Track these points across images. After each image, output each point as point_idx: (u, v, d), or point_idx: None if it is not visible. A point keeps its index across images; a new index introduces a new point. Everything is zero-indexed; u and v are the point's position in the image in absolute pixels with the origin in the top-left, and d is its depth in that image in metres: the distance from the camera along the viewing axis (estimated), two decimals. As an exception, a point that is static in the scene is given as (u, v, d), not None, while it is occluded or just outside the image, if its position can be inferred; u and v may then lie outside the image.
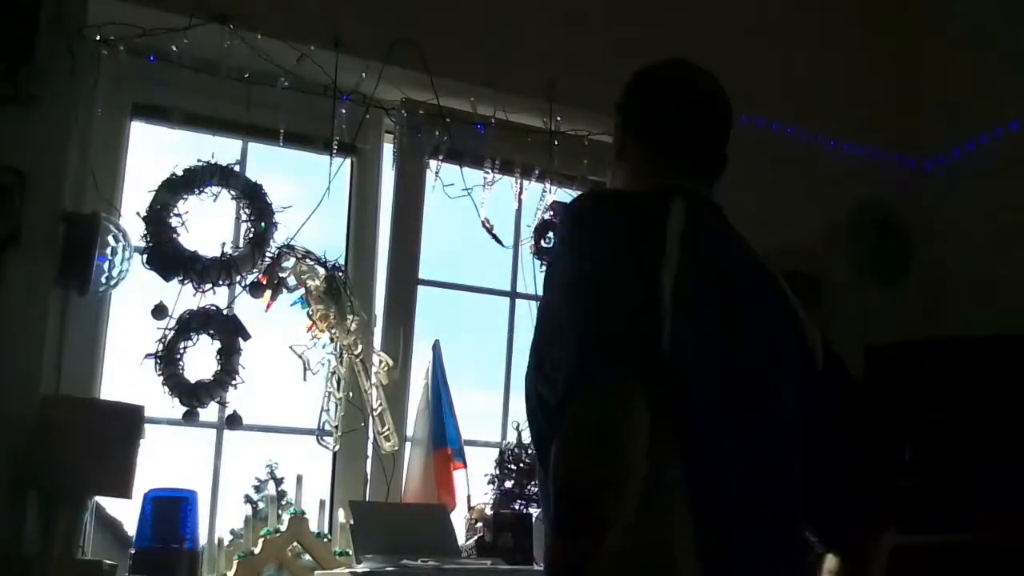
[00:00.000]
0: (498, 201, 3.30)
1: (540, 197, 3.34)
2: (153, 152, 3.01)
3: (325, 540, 2.83)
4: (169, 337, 2.74)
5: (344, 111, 3.02)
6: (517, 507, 3.07)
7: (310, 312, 2.91)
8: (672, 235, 1.43)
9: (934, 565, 2.86)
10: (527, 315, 3.36)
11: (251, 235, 2.86)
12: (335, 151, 2.98)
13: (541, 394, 1.44)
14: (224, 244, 2.86)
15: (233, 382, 2.78)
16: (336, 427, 2.95)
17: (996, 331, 3.27)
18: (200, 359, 2.77)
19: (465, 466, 3.12)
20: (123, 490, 2.50)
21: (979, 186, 3.69)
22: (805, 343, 1.58)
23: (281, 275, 2.88)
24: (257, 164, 3.06)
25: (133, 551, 2.57)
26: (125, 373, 2.80)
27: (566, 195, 3.37)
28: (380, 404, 3.00)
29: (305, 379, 2.91)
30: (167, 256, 2.75)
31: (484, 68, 3.16)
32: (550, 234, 3.29)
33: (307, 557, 2.81)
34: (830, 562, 1.61)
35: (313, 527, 2.84)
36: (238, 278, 2.82)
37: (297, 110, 2.97)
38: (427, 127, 3.17)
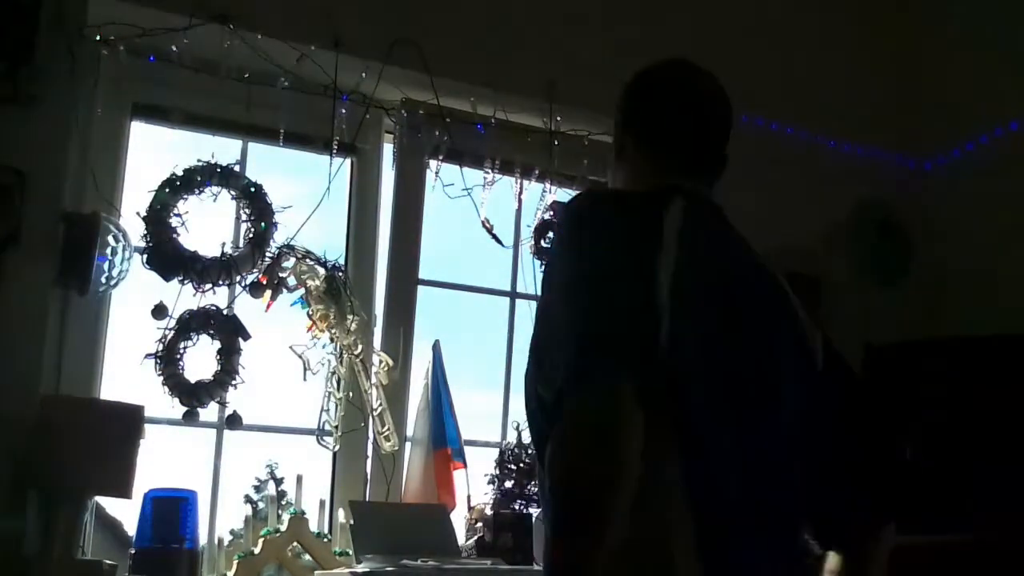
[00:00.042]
0: (498, 201, 3.31)
1: (540, 197, 3.34)
2: (153, 152, 3.01)
3: (325, 540, 2.83)
4: (169, 337, 2.74)
5: (344, 111, 3.02)
6: (517, 507, 3.07)
7: (310, 312, 2.91)
8: (670, 234, 1.43)
9: (934, 565, 2.86)
10: (527, 315, 3.36)
11: (251, 235, 2.86)
12: (335, 151, 2.98)
13: (540, 394, 1.44)
14: (224, 244, 2.86)
15: (233, 382, 2.78)
16: (336, 427, 2.95)
17: (996, 331, 3.27)
18: (200, 359, 2.78)
19: (465, 466, 3.12)
20: (123, 490, 2.50)
21: (979, 186, 3.69)
22: (805, 343, 1.58)
23: (281, 275, 2.88)
24: (257, 164, 3.06)
25: (133, 551, 2.57)
26: (125, 373, 2.81)
27: (566, 195, 3.37)
28: (380, 404, 3.00)
29: (305, 379, 2.91)
30: (167, 256, 2.75)
31: (484, 68, 3.16)
32: (550, 234, 3.28)
33: (307, 557, 2.81)
34: (831, 562, 1.61)
35: (313, 527, 2.84)
36: (238, 278, 2.82)
37: (297, 110, 2.97)
38: (427, 127, 3.17)
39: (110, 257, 2.69)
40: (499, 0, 3.27)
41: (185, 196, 2.81)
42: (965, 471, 3.12)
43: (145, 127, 2.99)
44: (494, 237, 3.28)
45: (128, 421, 2.54)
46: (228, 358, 2.77)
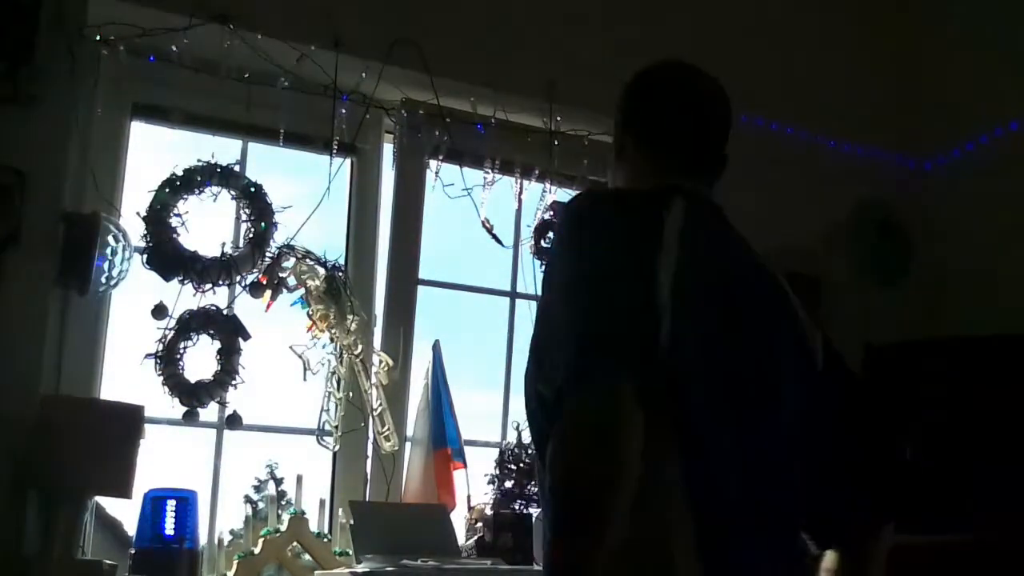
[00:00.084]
0: (498, 201, 3.31)
1: (540, 197, 3.34)
2: (153, 152, 3.01)
3: (325, 540, 2.83)
4: (169, 337, 2.74)
5: (344, 111, 3.02)
6: (517, 507, 3.07)
7: (310, 312, 2.91)
8: (670, 234, 1.43)
9: (934, 565, 2.86)
10: (527, 315, 3.36)
11: (251, 235, 2.86)
12: (335, 151, 2.98)
13: (541, 393, 1.44)
14: (224, 244, 2.86)
15: (233, 382, 2.78)
16: (336, 427, 2.95)
17: (996, 331, 3.27)
18: (200, 359, 2.78)
19: (465, 466, 3.13)
20: (123, 490, 2.50)
21: (979, 186, 3.69)
22: (805, 343, 1.58)
23: (281, 275, 2.88)
24: (257, 164, 3.06)
25: (133, 551, 2.57)
26: (125, 373, 2.81)
27: (566, 195, 3.37)
28: (380, 404, 3.00)
29: (305, 379, 2.91)
30: (167, 256, 2.75)
31: (484, 68, 3.16)
32: (550, 234, 3.28)
33: (307, 557, 2.81)
34: (827, 561, 1.61)
35: (313, 527, 2.84)
36: (238, 278, 2.82)
37: (297, 110, 2.97)
38: (427, 127, 3.17)
39: (110, 257, 2.69)
40: (499, 0, 3.27)
41: (185, 196, 2.80)
42: (965, 471, 3.12)
43: (145, 127, 2.99)
44: (494, 237, 3.28)
45: (128, 421, 2.54)
46: (228, 358, 2.77)
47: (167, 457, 2.83)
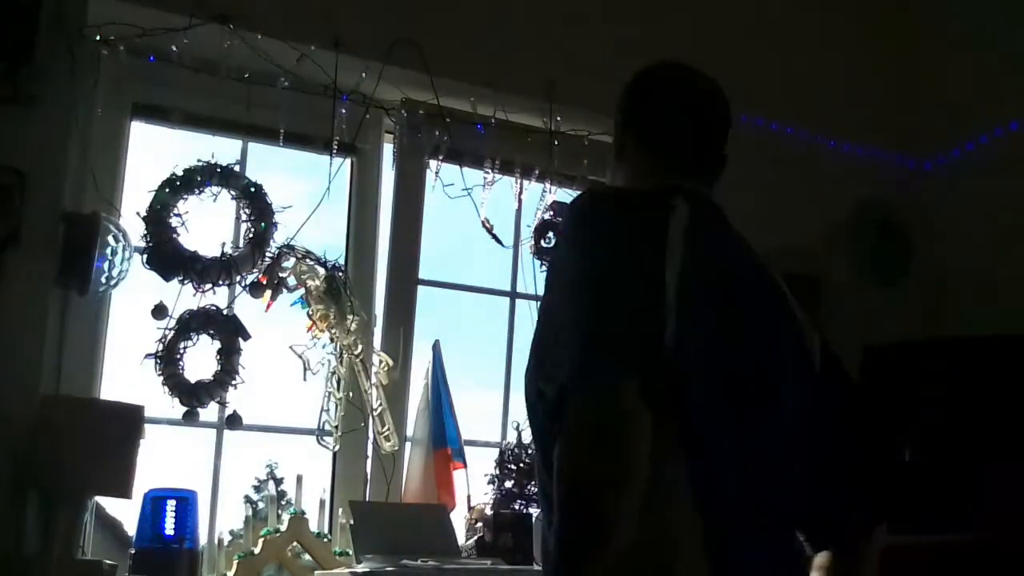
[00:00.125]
0: (498, 201, 3.31)
1: (540, 197, 3.34)
2: (153, 152, 3.01)
3: (325, 540, 2.84)
4: (169, 337, 2.74)
5: (344, 111, 3.02)
6: (517, 507, 3.07)
7: (310, 312, 2.91)
8: (675, 234, 1.44)
9: (934, 565, 2.86)
10: (527, 315, 3.36)
11: (251, 235, 2.86)
12: (335, 151, 2.98)
13: (542, 391, 1.44)
14: (224, 244, 2.86)
15: (233, 382, 2.78)
16: (336, 427, 2.95)
17: (996, 331, 3.27)
18: (200, 359, 2.78)
19: (465, 466, 3.13)
20: (123, 490, 2.50)
21: (979, 186, 3.69)
22: (804, 344, 1.58)
23: (281, 275, 2.88)
24: (257, 164, 3.06)
25: (133, 551, 2.57)
26: (125, 373, 2.81)
27: (566, 195, 3.37)
28: (380, 404, 3.00)
29: (305, 379, 2.91)
30: (167, 256, 2.75)
31: (484, 68, 3.16)
32: (550, 234, 3.29)
33: (307, 557, 2.81)
34: (818, 561, 1.61)
35: (313, 527, 2.84)
36: (238, 278, 2.82)
37: (297, 110, 2.97)
38: (427, 127, 3.17)
39: (110, 257, 2.69)
40: (499, 0, 3.27)
41: (185, 196, 2.81)
42: (965, 471, 3.12)
43: (145, 127, 2.99)
44: (494, 237, 3.28)
45: (128, 421, 2.54)
46: (228, 358, 2.77)
47: (167, 457, 2.83)
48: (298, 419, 3.07)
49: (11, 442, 2.41)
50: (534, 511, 3.04)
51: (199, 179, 2.82)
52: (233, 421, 2.82)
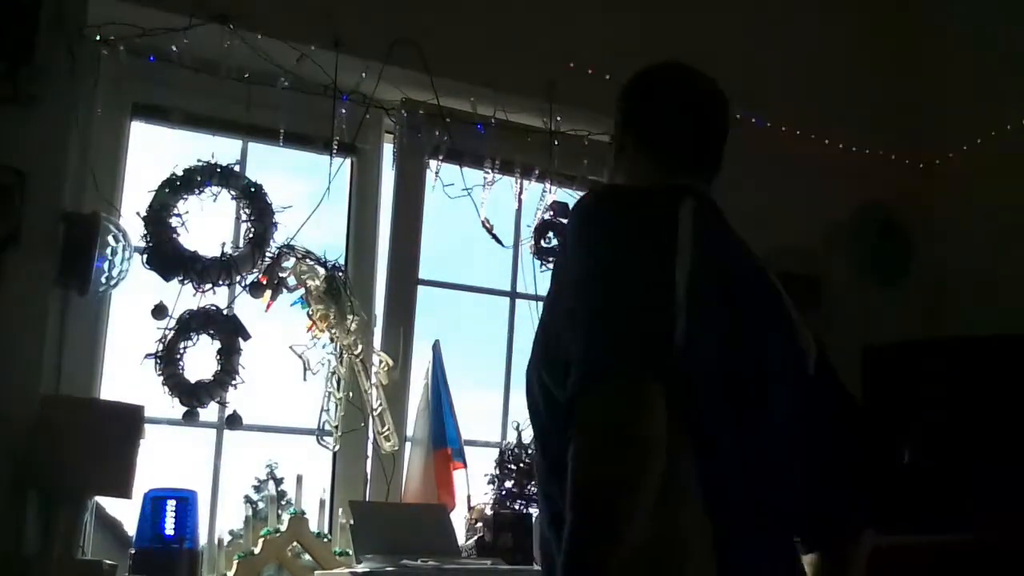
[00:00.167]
0: (498, 201, 3.31)
1: (540, 197, 3.34)
2: (153, 152, 3.01)
3: (325, 540, 2.84)
4: (169, 337, 2.74)
5: (344, 111, 3.02)
6: (517, 507, 3.07)
7: (310, 312, 2.91)
8: (684, 233, 1.44)
9: (934, 565, 2.86)
10: (527, 315, 3.36)
11: (251, 235, 2.86)
12: (335, 151, 2.98)
13: (549, 389, 1.44)
14: (224, 244, 2.86)
15: (233, 382, 2.78)
16: (336, 427, 2.95)
17: (996, 331, 3.27)
18: (200, 359, 2.78)
19: (465, 466, 3.13)
20: (123, 490, 2.50)
21: (979, 186, 3.69)
22: (798, 345, 1.59)
23: (281, 275, 2.88)
24: (257, 164, 3.06)
25: (133, 551, 2.57)
26: (125, 373, 2.81)
27: (566, 195, 3.38)
28: (380, 404, 3.00)
29: (305, 379, 2.91)
30: (167, 256, 2.75)
31: (484, 68, 3.16)
32: (550, 234, 3.29)
33: (307, 557, 2.81)
34: (806, 561, 1.61)
35: (313, 527, 2.84)
36: (238, 278, 2.82)
37: (297, 110, 2.97)
38: (427, 127, 3.17)
39: (110, 257, 2.69)
40: (499, 0, 3.27)
41: (185, 196, 2.80)
42: (965, 471, 3.12)
43: (145, 127, 2.99)
44: (494, 237, 3.28)
45: (128, 421, 2.54)
46: (228, 358, 2.77)
47: (167, 457, 2.83)
48: (298, 419, 3.07)
49: (11, 442, 2.41)
50: (534, 511, 3.03)
51: (199, 179, 2.82)
52: (233, 421, 2.82)
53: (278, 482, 3.31)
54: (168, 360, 2.73)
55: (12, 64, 2.55)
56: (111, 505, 2.78)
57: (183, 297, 2.77)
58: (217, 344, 2.78)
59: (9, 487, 2.41)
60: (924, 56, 3.93)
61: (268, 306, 2.87)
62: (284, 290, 2.89)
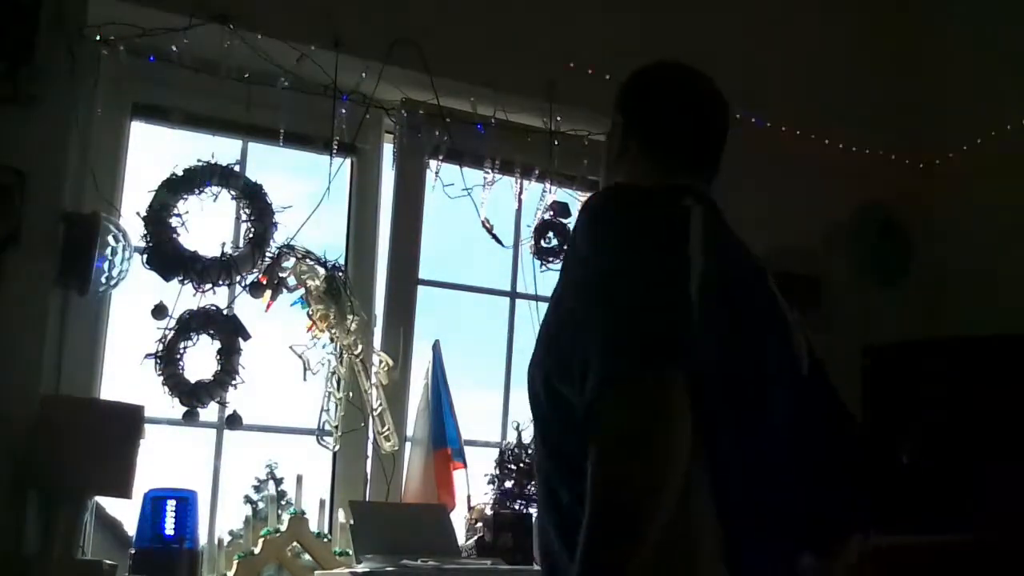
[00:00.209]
0: (498, 201, 3.31)
1: (540, 197, 3.34)
2: (153, 152, 3.01)
3: (325, 540, 2.84)
4: (169, 337, 2.74)
5: (344, 111, 3.02)
6: (517, 507, 3.07)
7: (310, 312, 2.91)
8: (695, 234, 1.44)
9: (934, 565, 2.86)
10: (527, 315, 3.36)
11: (251, 235, 2.86)
12: (335, 151, 2.98)
13: (551, 381, 1.43)
14: (224, 244, 2.86)
15: (233, 382, 2.78)
16: (336, 427, 2.95)
17: (996, 331, 3.27)
18: (200, 359, 2.77)
19: (465, 466, 3.13)
20: (123, 490, 2.50)
21: (979, 186, 3.69)
22: (792, 347, 1.59)
23: (281, 275, 2.88)
24: (257, 164, 3.06)
25: (133, 551, 2.57)
26: (125, 373, 2.81)
27: (566, 195, 3.38)
28: (380, 404, 3.00)
29: (305, 379, 2.91)
30: (167, 256, 2.75)
31: (484, 68, 3.16)
32: (550, 234, 3.29)
33: (307, 557, 2.81)
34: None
35: (313, 527, 2.84)
36: (238, 278, 2.82)
37: (297, 110, 2.97)
38: (427, 127, 3.17)
39: (110, 257, 2.69)
40: (499, 0, 3.27)
41: (185, 196, 2.80)
42: (965, 471, 3.12)
43: (145, 127, 2.99)
44: (494, 237, 3.28)
45: (128, 421, 2.54)
46: (228, 358, 2.77)
47: (167, 457, 2.83)
48: (298, 419, 3.07)
49: (11, 442, 2.41)
50: (534, 511, 3.03)
51: (199, 179, 2.82)
52: (233, 421, 2.82)
53: (278, 482, 3.31)
54: (168, 360, 2.73)
55: (12, 64, 2.55)
56: (111, 505, 2.78)
57: (183, 297, 2.77)
58: (217, 344, 2.78)
59: (9, 487, 2.41)
60: (924, 56, 3.93)
61: (268, 306, 2.87)
62: (284, 290, 2.89)
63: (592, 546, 1.27)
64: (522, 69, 3.21)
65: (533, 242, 3.31)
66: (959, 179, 3.77)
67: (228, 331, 2.78)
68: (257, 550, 2.74)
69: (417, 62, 3.02)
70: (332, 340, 2.95)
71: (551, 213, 3.30)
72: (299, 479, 2.94)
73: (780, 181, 3.49)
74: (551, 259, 3.29)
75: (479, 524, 3.03)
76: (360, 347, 2.98)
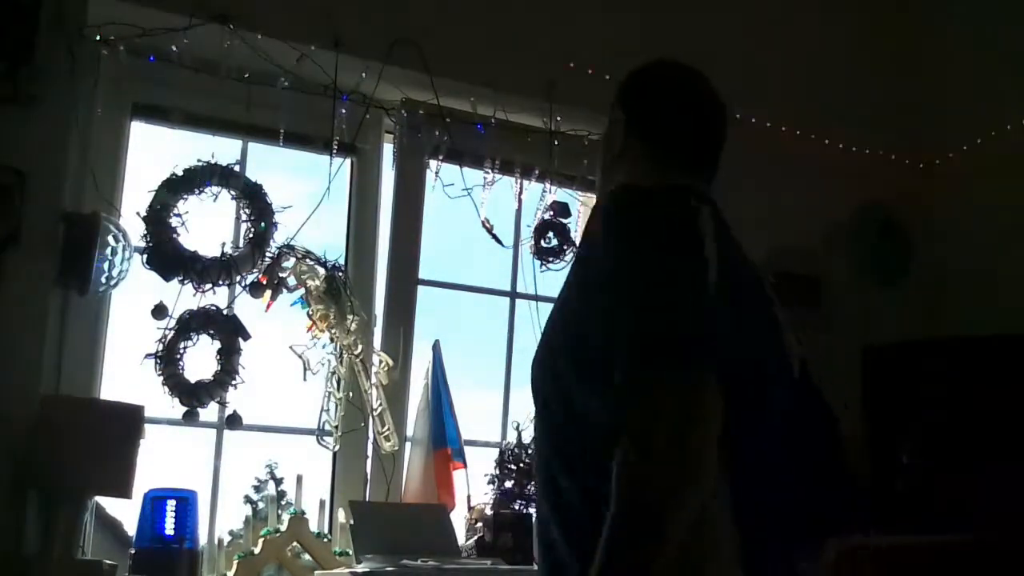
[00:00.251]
0: (498, 201, 3.31)
1: (540, 197, 3.34)
2: (153, 152, 3.01)
3: (325, 540, 2.84)
4: (169, 337, 2.74)
5: (344, 111, 3.02)
6: (517, 507, 3.07)
7: (310, 312, 2.91)
8: (708, 235, 1.44)
9: (934, 565, 2.86)
10: (527, 315, 3.36)
11: (251, 235, 2.86)
12: (335, 151, 2.98)
13: (571, 394, 1.43)
14: (224, 244, 2.86)
15: (233, 382, 2.78)
16: (336, 427, 2.95)
17: (996, 331, 3.27)
18: (200, 359, 2.77)
19: (465, 466, 3.13)
20: (123, 490, 2.50)
21: (979, 186, 3.69)
22: (787, 348, 1.59)
23: (281, 275, 2.88)
24: (257, 164, 3.06)
25: (133, 551, 2.57)
26: (125, 373, 2.81)
27: (566, 195, 3.38)
28: (380, 404, 3.00)
29: (305, 379, 2.91)
30: (167, 256, 2.75)
31: (484, 68, 3.16)
32: (550, 234, 3.29)
33: (307, 557, 2.82)
34: None
35: (313, 527, 2.84)
36: (238, 278, 2.82)
37: (297, 110, 2.97)
38: (427, 127, 3.17)
39: (110, 257, 2.69)
40: (499, 0, 3.27)
41: (185, 196, 2.80)
42: (965, 471, 3.12)
43: (145, 127, 2.99)
44: (494, 237, 3.28)
45: (128, 421, 2.54)
46: (228, 358, 2.77)
47: (167, 457, 2.83)
48: (298, 419, 3.07)
49: (11, 442, 2.41)
50: (534, 511, 3.03)
51: (199, 179, 2.82)
52: (233, 421, 2.82)
53: (278, 482, 3.31)
54: (168, 360, 2.73)
55: (12, 64, 2.55)
56: (111, 505, 2.78)
57: (183, 297, 2.77)
58: (217, 344, 2.78)
59: (9, 487, 2.41)
60: (924, 56, 3.94)
61: (268, 306, 2.87)
62: (284, 290, 2.89)
63: (617, 545, 1.27)
64: (522, 69, 3.21)
65: (533, 242, 3.31)
66: (959, 179, 3.77)
67: (228, 331, 2.78)
68: (257, 550, 2.74)
69: (417, 62, 3.02)
70: (332, 340, 2.95)
71: (551, 213, 3.30)
72: (299, 479, 2.94)
73: (780, 181, 3.49)
74: (551, 259, 3.29)
75: (479, 524, 3.03)
76: (360, 347, 2.98)
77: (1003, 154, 3.62)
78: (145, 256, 2.75)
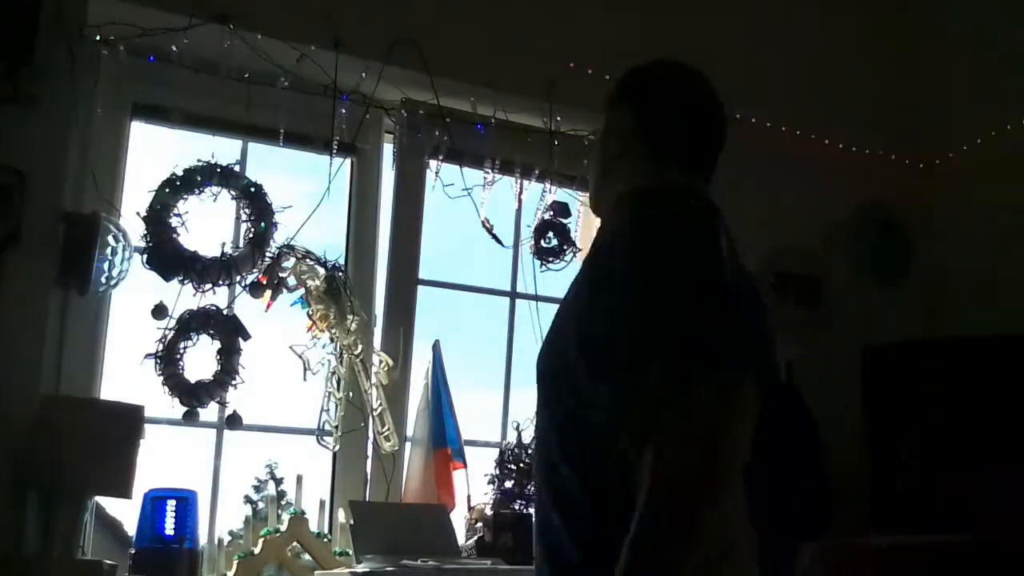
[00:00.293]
0: (498, 201, 3.31)
1: (540, 197, 3.34)
2: (153, 152, 3.01)
3: (325, 540, 2.84)
4: (169, 337, 2.74)
5: (344, 111, 3.02)
6: (517, 507, 3.07)
7: (310, 312, 2.91)
8: (722, 237, 1.45)
9: (934, 565, 2.86)
10: (527, 315, 3.36)
11: (251, 235, 2.86)
12: (335, 151, 2.98)
13: (581, 394, 1.43)
14: (224, 244, 2.86)
15: (233, 382, 2.78)
16: (336, 427, 2.95)
17: (996, 331, 3.27)
18: (200, 359, 2.78)
19: (465, 466, 3.13)
20: (123, 490, 2.50)
21: (979, 186, 3.69)
22: (775, 354, 1.60)
23: (281, 275, 2.88)
24: (257, 164, 3.06)
25: (133, 551, 2.57)
26: (125, 373, 2.81)
27: (566, 195, 3.38)
28: (380, 404, 3.00)
29: (305, 379, 2.91)
30: (167, 256, 2.75)
31: (484, 68, 3.16)
32: (550, 234, 3.29)
33: (307, 557, 2.82)
34: None
35: (313, 527, 2.84)
36: (238, 278, 2.82)
37: (297, 110, 2.97)
38: (427, 127, 3.17)
39: (110, 257, 2.69)
40: (499, 0, 3.27)
41: (185, 196, 2.80)
42: (965, 471, 3.12)
43: (145, 127, 2.99)
44: (494, 237, 3.28)
45: (128, 421, 2.54)
46: (228, 358, 2.77)
47: (167, 457, 2.83)
48: (298, 419, 3.07)
49: (11, 442, 2.41)
50: (534, 511, 3.03)
51: (199, 179, 2.82)
52: (233, 421, 2.82)
53: (278, 482, 3.31)
54: (168, 360, 2.73)
55: (12, 64, 2.55)
56: (111, 505, 2.78)
57: (183, 297, 2.77)
58: (217, 344, 2.78)
59: (9, 487, 2.41)
60: (924, 56, 3.93)
61: (268, 306, 2.87)
62: (284, 290, 2.89)
63: (647, 545, 1.27)
64: (522, 69, 3.21)
65: (533, 242, 3.31)
66: (959, 179, 3.77)
67: (228, 331, 2.78)
68: (257, 550, 2.74)
69: (417, 62, 3.02)
70: (332, 340, 2.95)
71: (551, 213, 3.30)
72: (299, 479, 2.94)
73: (780, 181, 3.49)
74: (551, 259, 3.29)
75: (479, 524, 3.03)
76: (360, 347, 2.98)
77: (1003, 154, 3.62)
78: (145, 256, 2.75)
